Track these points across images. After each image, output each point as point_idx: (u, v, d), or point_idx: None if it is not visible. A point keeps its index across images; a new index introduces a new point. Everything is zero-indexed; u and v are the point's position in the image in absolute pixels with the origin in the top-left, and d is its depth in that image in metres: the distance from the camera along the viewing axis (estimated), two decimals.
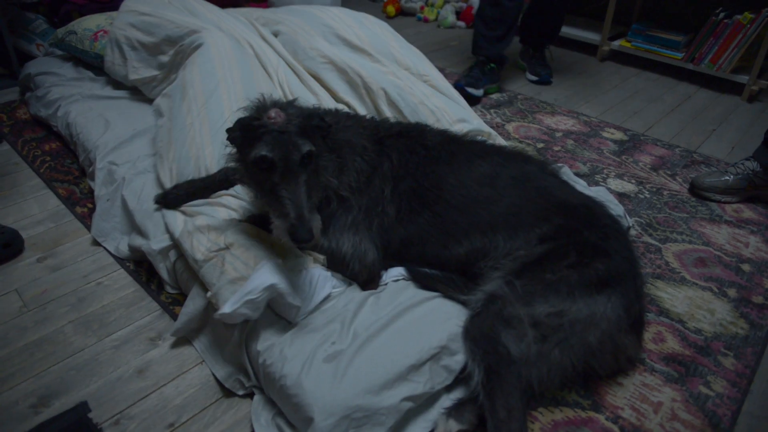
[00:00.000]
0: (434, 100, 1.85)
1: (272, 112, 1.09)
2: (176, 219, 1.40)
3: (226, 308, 1.09)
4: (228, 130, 1.14)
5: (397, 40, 2.08)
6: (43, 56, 2.65)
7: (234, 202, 1.42)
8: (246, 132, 1.11)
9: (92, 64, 2.40)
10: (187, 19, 1.96)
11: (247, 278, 1.15)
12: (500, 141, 1.82)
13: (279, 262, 1.18)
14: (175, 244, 1.38)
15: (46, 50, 2.73)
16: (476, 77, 2.61)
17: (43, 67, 2.42)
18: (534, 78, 2.88)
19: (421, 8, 3.90)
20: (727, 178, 1.89)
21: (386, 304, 1.20)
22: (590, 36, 3.29)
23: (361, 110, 1.85)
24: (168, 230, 1.41)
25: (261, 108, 1.13)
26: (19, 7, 2.92)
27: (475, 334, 1.08)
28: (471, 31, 3.62)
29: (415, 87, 1.85)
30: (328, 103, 1.83)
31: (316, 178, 1.14)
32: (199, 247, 1.27)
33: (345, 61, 1.89)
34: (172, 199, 1.46)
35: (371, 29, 2.07)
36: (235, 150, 1.18)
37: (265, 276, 1.11)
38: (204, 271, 1.23)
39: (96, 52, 2.32)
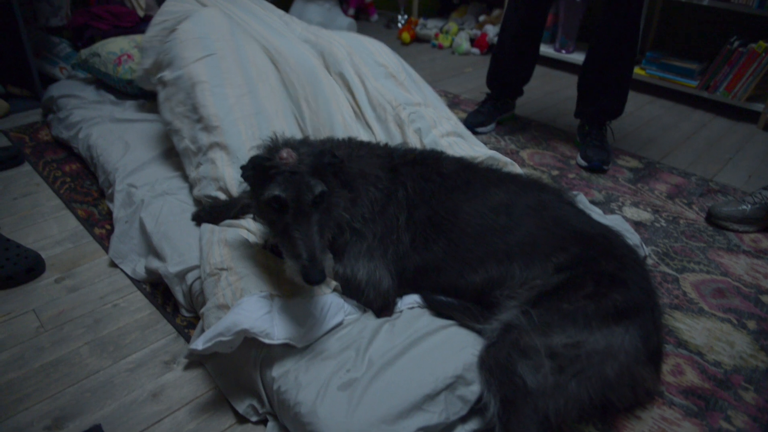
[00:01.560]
0: (452, 138, 1.88)
1: (284, 153, 1.10)
2: (208, 227, 1.44)
3: (198, 345, 1.11)
4: (242, 168, 1.16)
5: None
6: (65, 79, 2.71)
7: (254, 224, 1.43)
8: (259, 171, 1.13)
9: (114, 87, 2.45)
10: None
11: (229, 308, 1.17)
12: (516, 169, 1.82)
13: (264, 296, 1.18)
14: (192, 267, 1.40)
15: (69, 73, 2.80)
16: (487, 113, 2.58)
17: (66, 89, 2.47)
18: (584, 163, 2.28)
19: (436, 35, 3.95)
20: (745, 207, 1.87)
21: (401, 331, 1.20)
22: None
23: (382, 135, 1.86)
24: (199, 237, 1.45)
25: (273, 148, 1.15)
26: (45, 31, 3.00)
27: (490, 364, 1.07)
28: (485, 58, 3.66)
29: (439, 120, 1.88)
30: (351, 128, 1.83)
31: (328, 215, 1.15)
32: (210, 259, 1.30)
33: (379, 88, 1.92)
34: (199, 217, 1.54)
35: (399, 60, 2.10)
36: (249, 187, 1.20)
37: (240, 317, 1.12)
38: (206, 284, 1.27)
39: (119, 76, 2.37)
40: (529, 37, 2.45)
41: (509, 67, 2.53)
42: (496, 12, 3.91)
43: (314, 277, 1.04)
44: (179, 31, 1.82)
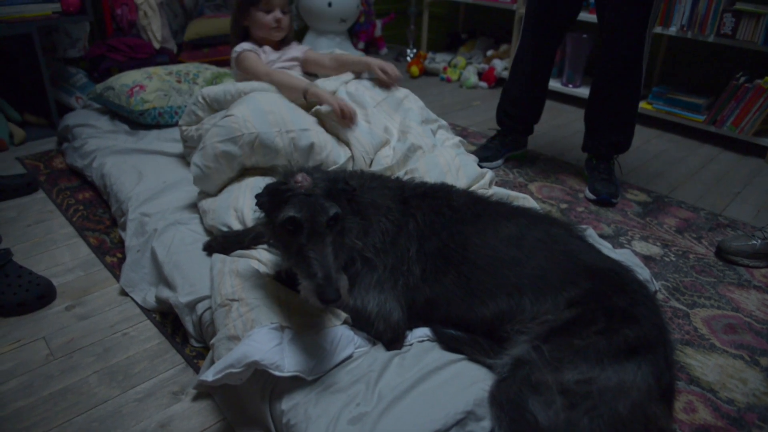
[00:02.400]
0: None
1: (299, 177, 1.13)
2: (219, 257, 1.44)
3: (208, 376, 1.11)
4: (257, 196, 1.18)
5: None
6: (81, 108, 2.77)
7: (265, 255, 1.44)
8: (274, 197, 1.15)
9: (128, 118, 2.50)
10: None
11: (240, 339, 1.17)
12: (530, 203, 1.82)
13: (275, 327, 1.18)
14: (203, 297, 1.40)
15: (84, 103, 2.86)
16: (494, 148, 2.60)
17: (82, 119, 2.52)
18: (592, 197, 2.28)
19: (444, 69, 4.01)
20: (755, 242, 1.87)
21: (411, 365, 1.19)
22: None
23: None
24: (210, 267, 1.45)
25: (288, 173, 1.17)
26: (63, 62, 3.08)
27: (501, 400, 1.06)
28: (492, 92, 3.71)
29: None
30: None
31: (341, 239, 1.16)
32: (221, 289, 1.30)
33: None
34: (210, 247, 1.55)
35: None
36: (263, 215, 1.21)
37: (251, 348, 1.12)
38: (216, 314, 1.27)
39: (131, 107, 2.42)
40: (539, 73, 2.47)
41: (519, 104, 2.55)
42: (503, 47, 3.98)
43: (330, 295, 1.03)
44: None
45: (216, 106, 1.96)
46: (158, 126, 2.47)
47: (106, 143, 2.29)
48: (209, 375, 1.11)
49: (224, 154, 1.65)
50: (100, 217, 2.03)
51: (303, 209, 1.10)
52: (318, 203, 1.10)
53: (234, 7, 2.21)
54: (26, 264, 1.71)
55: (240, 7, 2.16)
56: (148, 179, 1.98)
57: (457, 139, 2.11)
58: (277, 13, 2.13)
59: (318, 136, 1.73)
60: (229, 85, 1.94)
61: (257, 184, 1.65)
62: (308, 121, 1.77)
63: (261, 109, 1.69)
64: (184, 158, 2.17)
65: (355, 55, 3.88)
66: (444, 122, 2.18)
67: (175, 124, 2.47)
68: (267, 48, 2.21)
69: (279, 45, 2.25)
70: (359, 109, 1.90)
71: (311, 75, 2.27)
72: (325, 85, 1.96)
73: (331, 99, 1.82)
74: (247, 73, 2.10)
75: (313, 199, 1.11)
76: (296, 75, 2.11)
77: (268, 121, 1.67)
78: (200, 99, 1.97)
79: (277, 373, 1.11)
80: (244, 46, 2.13)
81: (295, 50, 2.27)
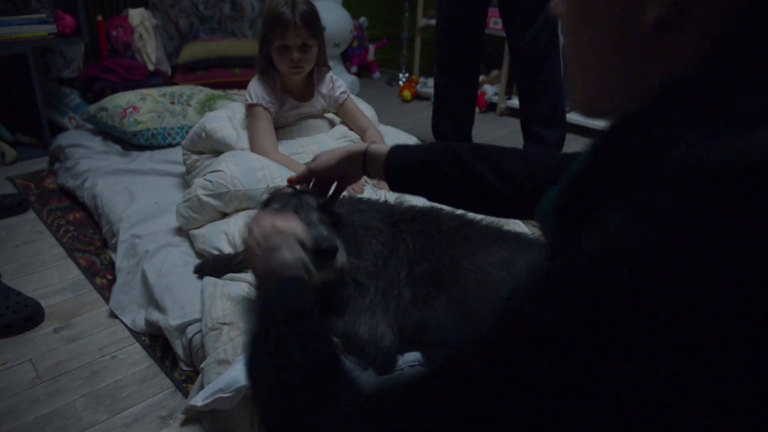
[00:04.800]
0: None
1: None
2: (210, 280, 1.44)
3: (197, 401, 1.11)
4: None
5: None
6: (74, 129, 2.77)
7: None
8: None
9: (121, 139, 2.50)
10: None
11: (230, 364, 1.17)
12: (521, 228, 1.84)
13: None
14: (193, 320, 1.40)
15: (77, 123, 2.87)
16: None
17: (74, 139, 2.53)
18: None
19: None
20: None
21: None
22: None
23: None
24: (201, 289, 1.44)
25: (269, 199, 1.17)
26: (56, 82, 3.09)
27: None
28: (484, 116, 3.76)
29: None
30: None
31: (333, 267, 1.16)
32: (212, 313, 1.30)
33: None
34: (201, 269, 1.54)
35: None
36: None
37: (241, 373, 1.12)
38: (207, 338, 1.26)
39: (124, 128, 2.43)
40: (469, 85, 2.64)
41: (452, 117, 2.67)
42: (494, 72, 4.04)
43: (325, 243, 0.99)
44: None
45: (217, 146, 1.93)
46: (151, 147, 2.47)
47: (99, 164, 2.30)
48: (199, 400, 1.11)
49: (209, 205, 1.67)
50: (90, 238, 2.02)
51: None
52: (316, 233, 1.09)
53: (260, 32, 1.88)
54: (14, 285, 1.69)
55: (263, 36, 1.84)
56: (140, 200, 1.98)
57: None
58: (294, 54, 1.78)
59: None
60: (230, 132, 1.92)
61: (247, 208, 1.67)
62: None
63: (251, 166, 1.68)
64: (177, 180, 2.18)
65: (348, 80, 3.93)
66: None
67: (168, 146, 2.48)
68: (288, 98, 1.94)
69: (307, 81, 1.96)
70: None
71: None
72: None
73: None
74: (250, 131, 1.88)
75: (311, 230, 1.09)
76: (321, 124, 2.03)
77: (256, 178, 1.66)
78: (203, 134, 1.95)
79: None
80: (259, 94, 1.85)
81: (324, 100, 2.01)
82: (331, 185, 1.12)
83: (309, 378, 0.54)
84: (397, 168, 0.96)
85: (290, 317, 0.64)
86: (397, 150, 0.97)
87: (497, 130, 3.47)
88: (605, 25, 0.42)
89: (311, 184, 1.13)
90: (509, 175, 0.89)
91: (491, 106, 3.87)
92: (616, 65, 0.43)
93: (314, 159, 1.10)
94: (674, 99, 0.39)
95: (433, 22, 4.05)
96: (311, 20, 1.78)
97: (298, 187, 1.14)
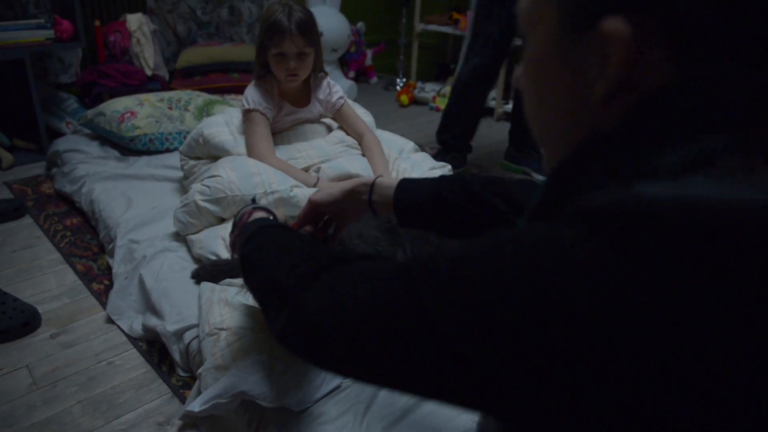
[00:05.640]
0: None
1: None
2: (208, 285, 1.43)
3: (195, 406, 1.11)
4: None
5: None
6: (71, 134, 2.77)
7: None
8: None
9: (118, 144, 2.50)
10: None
11: (228, 369, 1.17)
12: None
13: (263, 357, 1.18)
14: (191, 326, 1.39)
15: (74, 128, 2.86)
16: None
17: (72, 144, 2.52)
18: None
19: (434, 98, 4.07)
20: None
21: (399, 396, 1.19)
22: None
23: None
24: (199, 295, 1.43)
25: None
26: (54, 87, 3.09)
27: (490, 431, 1.06)
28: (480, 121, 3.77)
29: None
30: None
31: None
32: (209, 318, 1.30)
33: None
34: (199, 275, 1.53)
35: None
36: None
37: (238, 379, 1.12)
38: (204, 344, 1.26)
39: (122, 133, 2.43)
40: (483, 92, 2.68)
41: (459, 121, 2.72)
42: None
43: None
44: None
45: (214, 152, 1.92)
46: (149, 152, 2.47)
47: (96, 169, 2.29)
48: (196, 405, 1.11)
49: (207, 210, 1.67)
50: (87, 244, 2.02)
51: None
52: None
53: (257, 38, 1.86)
54: (11, 290, 1.69)
55: (260, 43, 1.82)
56: (137, 206, 1.98)
57: (447, 167, 2.14)
58: (290, 63, 1.77)
59: (303, 192, 1.71)
60: (227, 137, 1.91)
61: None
62: (295, 181, 1.75)
63: (248, 171, 1.69)
64: (174, 185, 2.17)
65: (345, 85, 3.94)
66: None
67: (166, 151, 2.47)
68: (285, 104, 1.94)
69: (304, 87, 1.96)
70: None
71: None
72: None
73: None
74: (247, 136, 1.88)
75: None
76: (318, 129, 2.02)
77: (253, 183, 1.67)
78: (200, 139, 1.94)
79: (264, 404, 1.11)
80: (256, 100, 1.85)
81: (321, 105, 2.01)
82: (331, 221, 1.05)
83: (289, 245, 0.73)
84: (407, 204, 0.91)
85: (267, 224, 0.85)
86: (405, 184, 0.92)
87: (494, 135, 3.49)
88: (559, 98, 0.48)
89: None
90: (521, 205, 0.87)
91: (488, 111, 3.88)
92: (573, 126, 0.48)
93: (317, 187, 1.07)
94: (590, 152, 0.45)
95: (430, 27, 4.08)
96: (308, 28, 1.77)
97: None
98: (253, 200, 1.04)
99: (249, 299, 1.40)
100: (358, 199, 0.96)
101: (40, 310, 1.63)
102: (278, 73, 1.82)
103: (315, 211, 1.02)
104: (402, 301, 0.46)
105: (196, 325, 1.38)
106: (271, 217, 0.96)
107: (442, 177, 0.93)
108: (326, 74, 2.01)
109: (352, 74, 4.53)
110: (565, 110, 0.48)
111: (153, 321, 1.49)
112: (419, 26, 4.17)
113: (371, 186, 0.95)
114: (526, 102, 0.53)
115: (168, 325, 1.42)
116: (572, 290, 0.36)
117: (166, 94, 2.67)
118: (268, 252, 0.74)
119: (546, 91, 0.50)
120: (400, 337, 0.45)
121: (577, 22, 0.44)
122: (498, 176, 0.92)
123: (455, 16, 4.03)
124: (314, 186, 1.77)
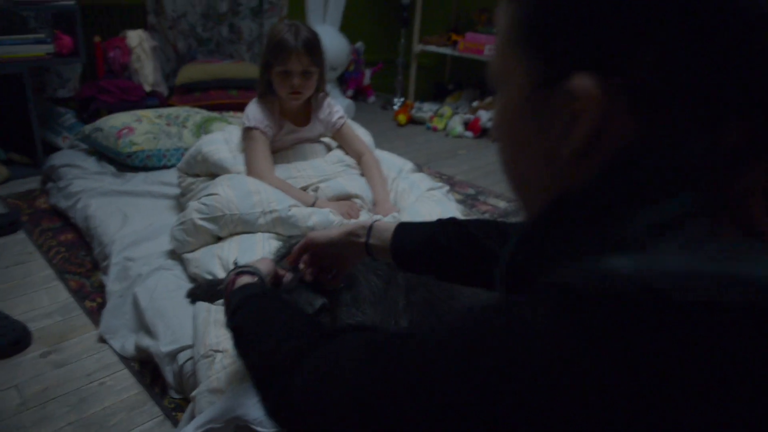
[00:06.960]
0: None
1: (280, 271, 1.07)
2: (203, 305, 1.41)
3: (188, 430, 1.09)
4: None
5: None
6: (67, 149, 2.75)
7: None
8: None
9: (115, 159, 2.49)
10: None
11: (223, 392, 1.15)
12: None
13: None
14: (185, 347, 1.37)
15: (71, 142, 2.85)
16: None
17: (68, 159, 2.51)
18: None
19: (431, 118, 4.09)
20: None
21: None
22: None
23: None
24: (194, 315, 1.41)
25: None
26: (52, 102, 3.08)
27: None
28: (478, 141, 3.79)
29: None
30: None
31: (335, 317, 1.14)
32: (205, 339, 1.28)
33: None
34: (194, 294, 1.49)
35: None
36: None
37: (234, 403, 1.10)
38: (199, 366, 1.24)
39: (119, 149, 2.42)
40: None
41: None
42: (488, 98, 4.08)
43: (310, 309, 1.01)
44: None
45: (213, 169, 1.91)
46: (146, 168, 2.46)
47: (92, 185, 2.28)
48: (189, 429, 1.08)
49: (204, 228, 1.65)
50: (81, 260, 1.99)
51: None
52: (302, 298, 1.04)
53: (262, 56, 1.87)
54: (2, 307, 1.66)
55: (265, 60, 1.83)
56: (133, 222, 1.96)
57: (445, 188, 2.14)
58: (294, 80, 1.78)
59: (301, 211, 1.70)
60: (226, 155, 1.91)
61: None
62: (293, 200, 1.74)
63: (246, 189, 1.68)
64: (171, 202, 2.16)
65: (344, 103, 3.96)
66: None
67: (163, 167, 2.46)
68: (286, 123, 1.94)
69: (305, 106, 1.97)
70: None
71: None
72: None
73: (339, 210, 1.77)
74: (247, 154, 1.88)
75: (295, 295, 1.05)
76: (317, 149, 2.03)
77: (252, 201, 1.66)
78: (199, 156, 1.94)
79: (260, 430, 1.08)
80: (257, 117, 1.85)
81: (322, 125, 2.02)
82: (328, 263, 1.04)
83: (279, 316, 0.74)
84: (405, 249, 0.91)
85: (251, 294, 0.85)
86: (403, 229, 0.92)
87: (491, 156, 3.50)
88: (531, 153, 0.48)
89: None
90: None
91: (485, 131, 3.89)
92: (545, 182, 0.48)
93: (316, 206, 1.05)
94: (560, 215, 0.46)
95: (429, 48, 4.11)
96: (313, 47, 1.79)
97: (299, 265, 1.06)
98: (235, 263, 1.02)
99: None
100: (355, 243, 0.94)
101: (31, 328, 1.60)
102: (281, 90, 1.82)
103: (311, 249, 1.00)
104: (379, 390, 0.46)
105: (191, 346, 1.36)
106: (257, 279, 0.94)
107: (439, 221, 0.92)
108: (327, 94, 2.02)
109: (350, 93, 4.54)
110: (537, 166, 0.48)
111: (146, 341, 1.46)
112: (418, 47, 4.20)
113: (369, 228, 0.94)
114: (500, 155, 0.53)
115: (162, 346, 1.40)
116: (540, 378, 0.36)
117: (165, 111, 2.67)
118: (253, 328, 0.75)
119: (517, 146, 0.50)
120: (381, 425, 0.46)
121: (547, 79, 0.44)
122: (494, 219, 0.92)
123: (453, 37, 4.06)
124: (312, 205, 1.76)
